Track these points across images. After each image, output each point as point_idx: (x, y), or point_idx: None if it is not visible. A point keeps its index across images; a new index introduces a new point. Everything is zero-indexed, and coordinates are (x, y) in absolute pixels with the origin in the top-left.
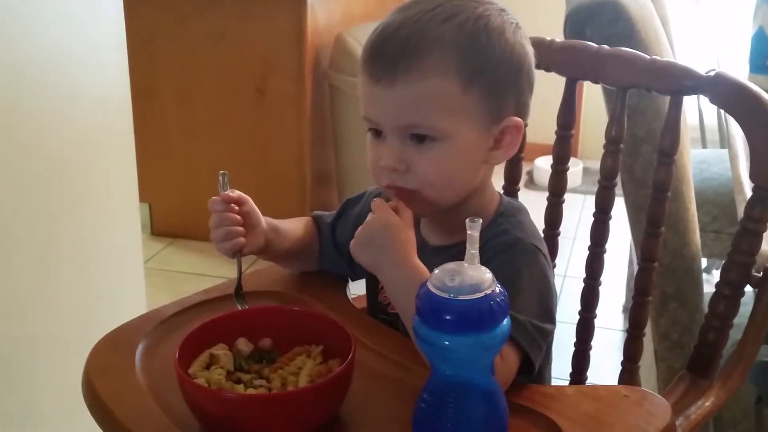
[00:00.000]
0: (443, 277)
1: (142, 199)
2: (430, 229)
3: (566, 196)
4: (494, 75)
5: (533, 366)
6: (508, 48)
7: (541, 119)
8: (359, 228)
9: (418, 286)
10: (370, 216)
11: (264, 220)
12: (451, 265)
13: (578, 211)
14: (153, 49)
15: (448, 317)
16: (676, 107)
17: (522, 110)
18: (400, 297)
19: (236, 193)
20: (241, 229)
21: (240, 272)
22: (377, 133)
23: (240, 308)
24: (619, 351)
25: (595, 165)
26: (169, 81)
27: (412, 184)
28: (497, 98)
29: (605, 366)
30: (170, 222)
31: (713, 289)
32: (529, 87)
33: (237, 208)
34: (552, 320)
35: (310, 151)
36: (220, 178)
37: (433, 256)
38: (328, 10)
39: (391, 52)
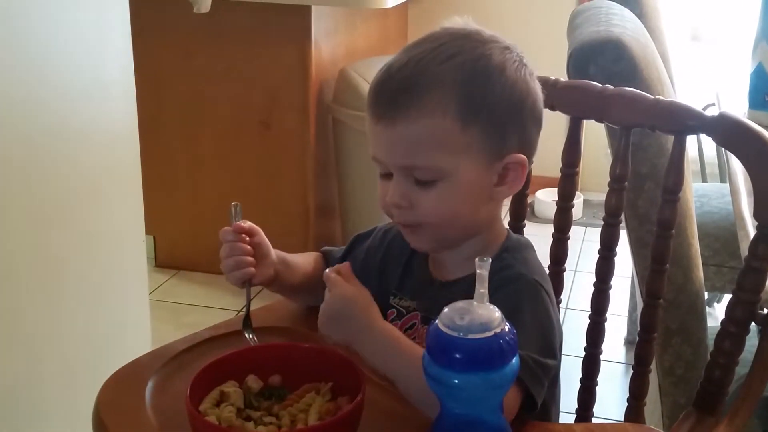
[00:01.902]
0: (453, 316)
1: (146, 231)
2: (437, 265)
3: None
4: (494, 113)
5: (535, 402)
6: (508, 85)
7: (542, 152)
8: (321, 308)
9: (392, 347)
10: (326, 294)
11: (274, 253)
12: (460, 304)
13: (579, 243)
14: (159, 82)
15: (457, 356)
16: (679, 146)
17: (526, 147)
18: (380, 362)
19: (247, 223)
20: (251, 259)
21: (249, 302)
22: (386, 175)
23: (248, 337)
24: (620, 383)
25: (595, 197)
26: (174, 114)
27: (417, 220)
28: (498, 136)
29: (607, 398)
30: (174, 254)
31: (715, 323)
32: (534, 123)
33: (248, 238)
34: (554, 356)
35: (313, 184)
36: (232, 208)
37: (441, 291)
38: (333, 45)
39: (392, 91)
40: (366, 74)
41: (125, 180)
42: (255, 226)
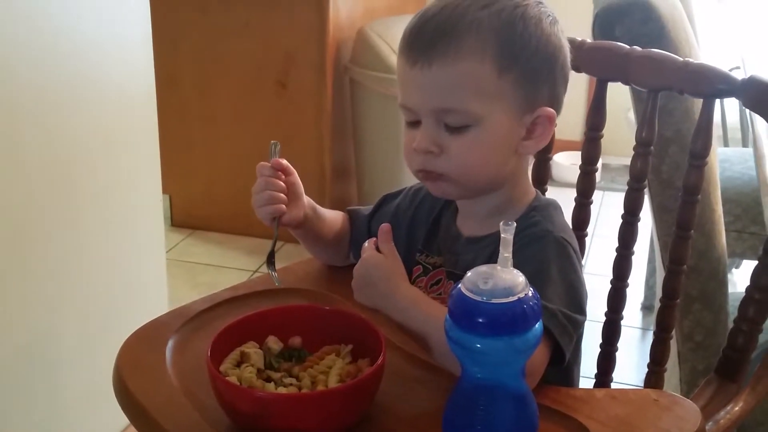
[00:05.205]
0: (476, 280)
1: (162, 191)
2: (464, 221)
3: None
4: (529, 62)
5: (564, 356)
6: (544, 38)
7: (560, 116)
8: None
9: (415, 310)
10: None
11: (306, 198)
12: (483, 268)
13: (597, 207)
14: (176, 40)
15: (480, 320)
16: (708, 110)
17: (555, 102)
18: (405, 324)
19: (285, 162)
20: (283, 196)
21: (275, 240)
22: (413, 123)
23: (271, 275)
24: (636, 348)
25: (614, 161)
26: (191, 72)
27: (444, 167)
28: (531, 86)
29: (623, 363)
30: (190, 213)
31: (734, 288)
32: (563, 80)
33: (283, 177)
34: (582, 312)
35: (330, 145)
36: (272, 146)
37: (467, 246)
38: (351, 4)
39: (430, 34)
40: (384, 34)
41: (142, 138)
42: (291, 166)
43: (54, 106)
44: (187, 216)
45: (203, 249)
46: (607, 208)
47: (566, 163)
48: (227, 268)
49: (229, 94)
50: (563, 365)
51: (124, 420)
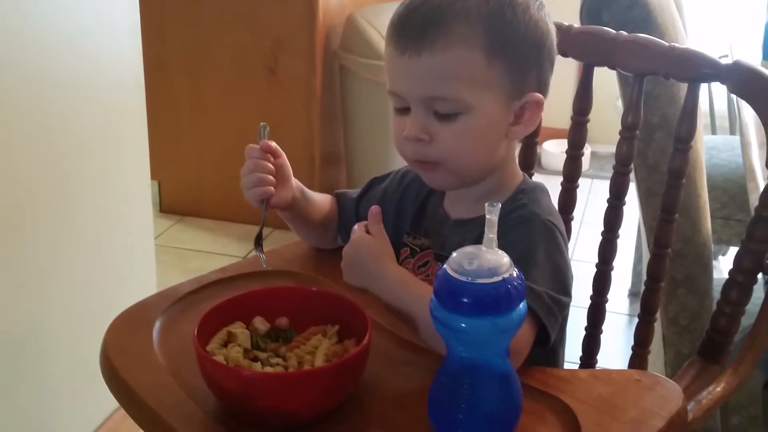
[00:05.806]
0: (461, 260)
1: (151, 177)
2: (452, 203)
3: None
4: (518, 50)
5: (549, 337)
6: (532, 24)
7: (549, 103)
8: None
9: (403, 290)
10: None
11: (294, 180)
12: (469, 249)
13: (585, 194)
14: (165, 26)
15: (465, 300)
16: (693, 95)
17: (543, 87)
18: (393, 304)
19: (273, 144)
20: (272, 179)
21: (263, 222)
22: (402, 110)
23: (259, 256)
24: (624, 334)
25: (603, 149)
26: (180, 59)
27: (436, 155)
28: (520, 73)
29: (610, 349)
30: (179, 199)
31: (721, 275)
32: (550, 64)
33: (272, 159)
34: (568, 294)
35: (319, 132)
36: (261, 129)
37: (455, 229)
38: None
39: (419, 23)
40: (374, 21)
41: (131, 125)
42: (279, 148)
43: (42, 94)
44: (175, 202)
45: (192, 235)
46: (596, 196)
47: (555, 151)
48: (216, 254)
49: (218, 80)
50: (548, 346)
51: (113, 403)
